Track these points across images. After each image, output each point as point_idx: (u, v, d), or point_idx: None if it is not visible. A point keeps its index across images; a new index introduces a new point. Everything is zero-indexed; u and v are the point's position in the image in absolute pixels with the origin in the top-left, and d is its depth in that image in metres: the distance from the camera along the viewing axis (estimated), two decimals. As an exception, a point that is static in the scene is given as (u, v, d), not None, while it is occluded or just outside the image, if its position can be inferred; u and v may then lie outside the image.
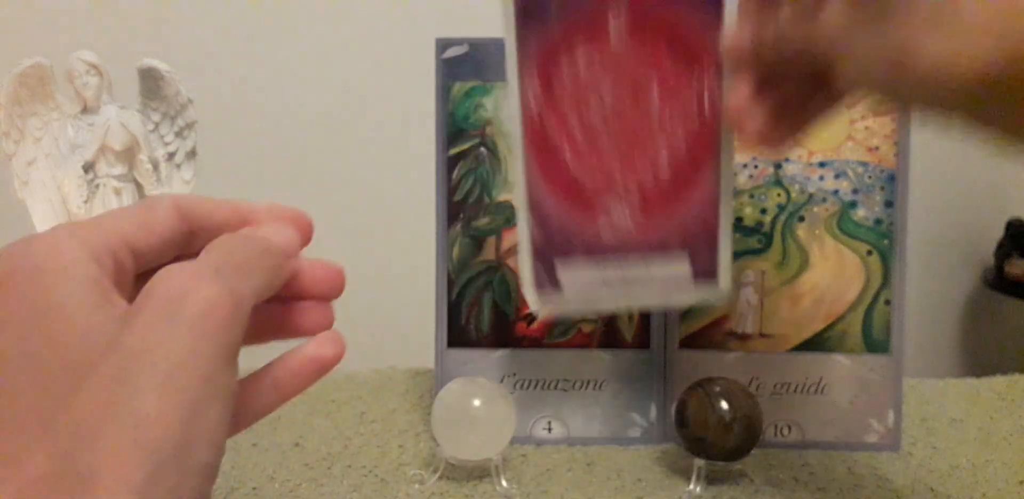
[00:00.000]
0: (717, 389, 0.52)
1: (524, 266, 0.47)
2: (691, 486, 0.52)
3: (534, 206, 0.48)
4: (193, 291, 0.20)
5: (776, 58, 0.39)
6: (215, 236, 0.24)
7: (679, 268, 0.48)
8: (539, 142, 0.47)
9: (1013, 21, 0.28)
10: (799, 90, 0.40)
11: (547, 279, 0.48)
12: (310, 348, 0.25)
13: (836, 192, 0.60)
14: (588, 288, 0.48)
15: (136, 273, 0.23)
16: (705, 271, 0.48)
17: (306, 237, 0.26)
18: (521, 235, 0.48)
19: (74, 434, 0.18)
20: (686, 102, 0.46)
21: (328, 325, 0.26)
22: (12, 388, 0.19)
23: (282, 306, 0.26)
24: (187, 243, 0.24)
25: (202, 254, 0.23)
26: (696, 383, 0.53)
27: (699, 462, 0.52)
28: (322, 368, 0.26)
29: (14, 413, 0.19)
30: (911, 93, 0.33)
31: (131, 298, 0.21)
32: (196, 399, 0.19)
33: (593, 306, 0.51)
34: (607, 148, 0.47)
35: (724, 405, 0.51)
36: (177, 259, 0.24)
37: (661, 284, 0.48)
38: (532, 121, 0.46)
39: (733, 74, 0.42)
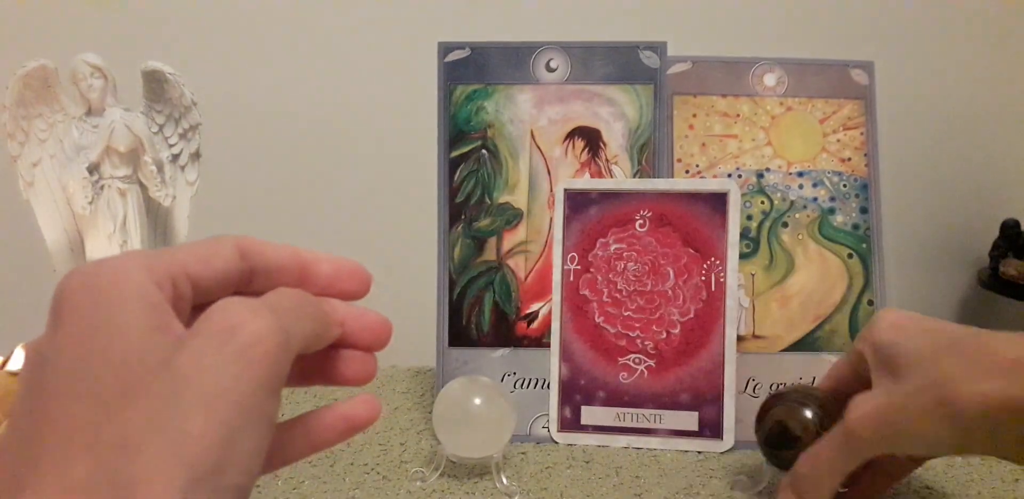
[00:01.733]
0: (795, 397, 0.48)
1: (552, 405, 0.59)
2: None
3: (564, 349, 0.59)
4: (246, 323, 0.21)
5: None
6: (273, 277, 0.26)
7: (687, 424, 0.58)
8: (572, 298, 0.59)
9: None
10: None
11: (572, 421, 0.59)
12: (345, 407, 0.27)
13: (815, 200, 0.62)
14: (605, 432, 0.59)
15: (194, 304, 0.24)
16: (711, 427, 0.58)
17: (363, 289, 0.27)
18: (552, 375, 0.59)
19: (119, 445, 0.19)
20: (696, 280, 0.59)
21: (369, 377, 0.27)
22: (65, 398, 0.20)
23: (327, 353, 0.27)
24: (246, 281, 0.26)
25: (262, 296, 0.24)
26: (774, 397, 0.49)
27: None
28: (353, 428, 0.27)
29: (64, 421, 0.20)
30: (955, 436, 0.39)
31: (188, 325, 0.22)
32: (236, 424, 0.20)
33: (606, 443, 0.59)
34: (629, 310, 0.59)
35: (808, 413, 0.46)
36: (235, 295, 0.25)
37: (670, 434, 0.58)
38: (568, 280, 0.59)
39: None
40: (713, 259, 0.59)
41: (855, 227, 0.62)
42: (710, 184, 0.60)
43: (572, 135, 0.61)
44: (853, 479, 0.45)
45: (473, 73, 0.61)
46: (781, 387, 0.52)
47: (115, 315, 0.21)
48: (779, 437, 0.47)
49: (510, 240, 0.61)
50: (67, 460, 0.19)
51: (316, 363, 0.27)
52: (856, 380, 0.46)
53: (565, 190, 0.60)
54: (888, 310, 0.46)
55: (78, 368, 0.20)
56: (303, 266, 0.26)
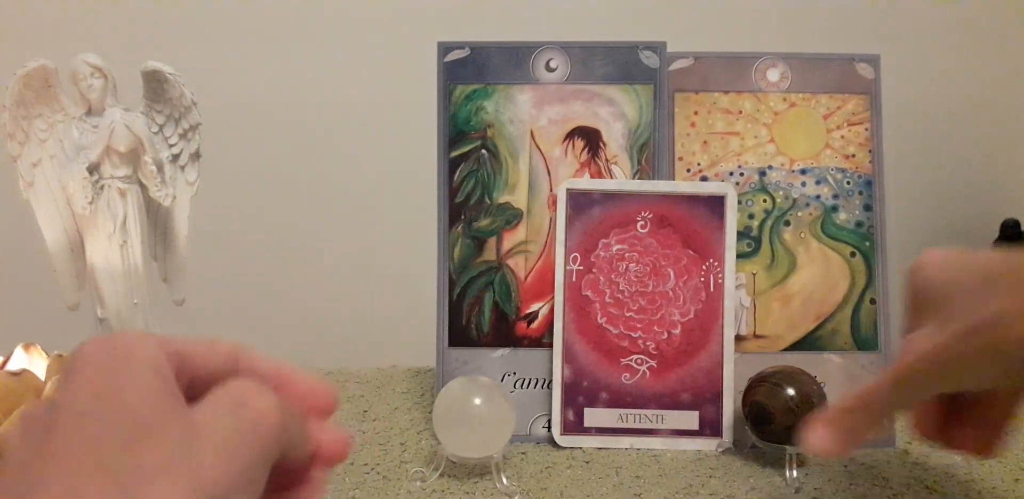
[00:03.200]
0: (776, 379, 0.54)
1: (555, 408, 0.59)
2: (789, 472, 0.54)
3: (567, 350, 0.59)
4: (256, 399, 0.24)
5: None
6: None
7: (688, 423, 0.58)
8: (575, 298, 0.59)
9: None
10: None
11: (575, 424, 0.59)
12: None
13: (818, 197, 0.62)
14: (608, 433, 0.59)
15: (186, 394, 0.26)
16: (711, 426, 0.58)
17: (330, 410, 0.29)
18: (555, 376, 0.59)
19: (133, 474, 0.20)
20: (695, 281, 0.59)
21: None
22: (81, 433, 0.21)
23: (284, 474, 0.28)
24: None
25: None
26: (756, 381, 0.55)
27: (791, 450, 0.54)
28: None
29: (80, 453, 0.21)
30: (1006, 372, 0.39)
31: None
32: (239, 478, 0.22)
33: (609, 445, 0.59)
34: (631, 311, 0.59)
35: (790, 391, 0.53)
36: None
37: (672, 434, 0.59)
38: (570, 281, 0.59)
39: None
40: (711, 260, 0.59)
41: (858, 225, 0.61)
42: (708, 187, 0.60)
43: (572, 135, 0.61)
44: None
45: (473, 73, 0.61)
46: (765, 369, 0.56)
47: (129, 370, 0.22)
48: (760, 414, 0.54)
49: (510, 240, 0.61)
50: (82, 485, 0.20)
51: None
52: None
53: (568, 190, 0.60)
54: (928, 252, 0.43)
55: (95, 409, 0.21)
56: (281, 380, 0.28)
